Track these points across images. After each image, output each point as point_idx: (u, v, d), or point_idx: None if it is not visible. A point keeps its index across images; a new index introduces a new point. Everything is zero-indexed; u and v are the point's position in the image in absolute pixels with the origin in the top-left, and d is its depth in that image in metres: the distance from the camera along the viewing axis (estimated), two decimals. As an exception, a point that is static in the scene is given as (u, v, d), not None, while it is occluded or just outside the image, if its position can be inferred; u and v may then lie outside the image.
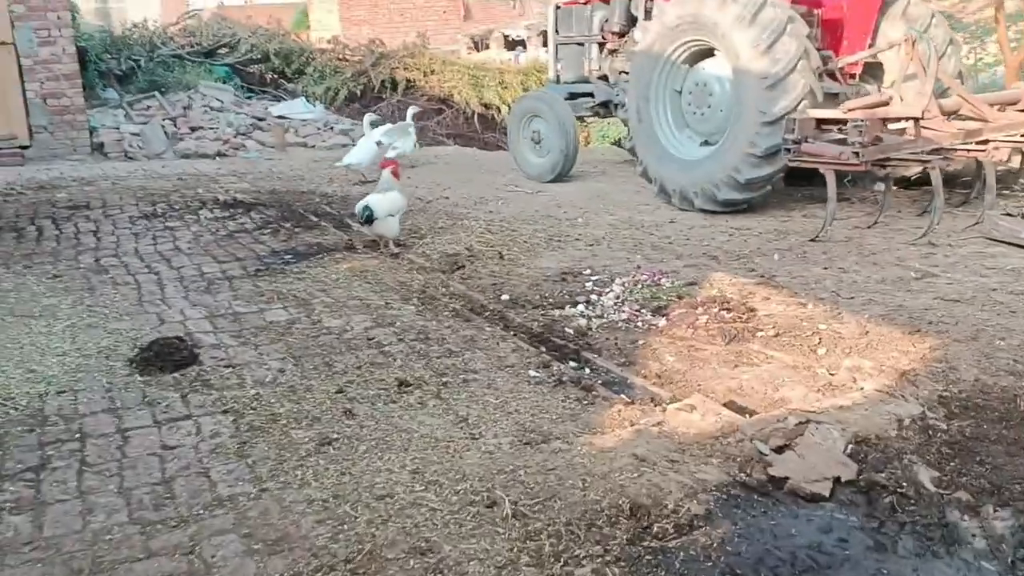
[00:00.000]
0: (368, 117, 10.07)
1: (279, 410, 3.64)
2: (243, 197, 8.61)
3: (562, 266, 5.85)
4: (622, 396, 3.79)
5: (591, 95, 9.40)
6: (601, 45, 9.24)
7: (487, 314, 4.95)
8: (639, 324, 4.69)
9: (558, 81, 9.78)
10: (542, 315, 4.90)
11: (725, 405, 3.63)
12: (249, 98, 14.94)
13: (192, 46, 15.84)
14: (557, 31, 9.65)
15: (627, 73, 8.88)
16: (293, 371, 4.08)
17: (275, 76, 15.72)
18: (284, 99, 14.77)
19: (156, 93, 13.59)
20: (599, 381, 3.97)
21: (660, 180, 7.43)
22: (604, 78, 9.31)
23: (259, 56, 15.75)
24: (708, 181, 6.93)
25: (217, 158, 11.52)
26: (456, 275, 5.73)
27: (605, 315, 4.84)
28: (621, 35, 8.94)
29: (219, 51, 16.03)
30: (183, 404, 3.73)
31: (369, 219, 6.16)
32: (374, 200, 6.21)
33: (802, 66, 6.45)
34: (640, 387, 3.91)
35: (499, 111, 15.94)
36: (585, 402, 3.71)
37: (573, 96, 9.43)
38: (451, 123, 15.65)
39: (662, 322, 4.68)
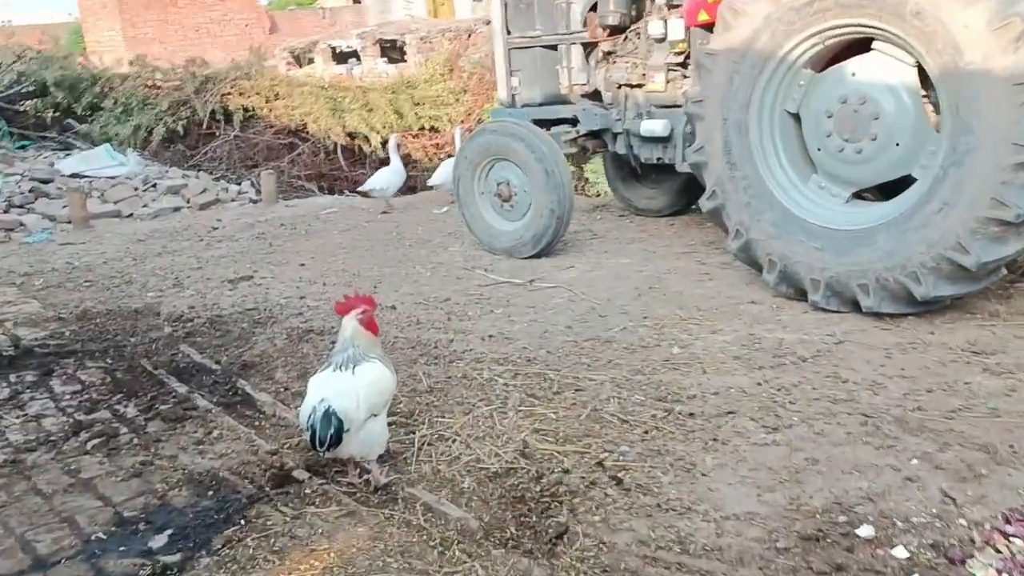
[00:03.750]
0: (394, 138, 8.80)
1: None
2: (32, 336, 4.99)
3: (776, 505, 2.76)
4: None
5: (571, 121, 6.34)
6: (588, 46, 6.21)
7: None
8: None
9: (513, 103, 6.65)
10: None
11: None
12: (24, 148, 10.84)
13: (-72, 79, 11.46)
14: (508, 30, 6.51)
15: (635, 87, 5.92)
16: None
17: (59, 116, 11.60)
18: (78, 148, 10.73)
19: None
20: None
21: (783, 263, 4.43)
22: (594, 95, 6.28)
23: (33, 89, 11.59)
24: (893, 265, 4.01)
25: (-20, 250, 7.56)
26: (567, 563, 2.54)
27: None
28: (620, 30, 5.95)
29: (-30, 85, 11.74)
30: None
31: (337, 437, 2.82)
32: (334, 392, 2.88)
33: (1077, 61, 3.66)
34: None
35: (367, 141, 12.57)
36: None
37: (540, 124, 6.32)
38: (309, 161, 12.14)
39: None
